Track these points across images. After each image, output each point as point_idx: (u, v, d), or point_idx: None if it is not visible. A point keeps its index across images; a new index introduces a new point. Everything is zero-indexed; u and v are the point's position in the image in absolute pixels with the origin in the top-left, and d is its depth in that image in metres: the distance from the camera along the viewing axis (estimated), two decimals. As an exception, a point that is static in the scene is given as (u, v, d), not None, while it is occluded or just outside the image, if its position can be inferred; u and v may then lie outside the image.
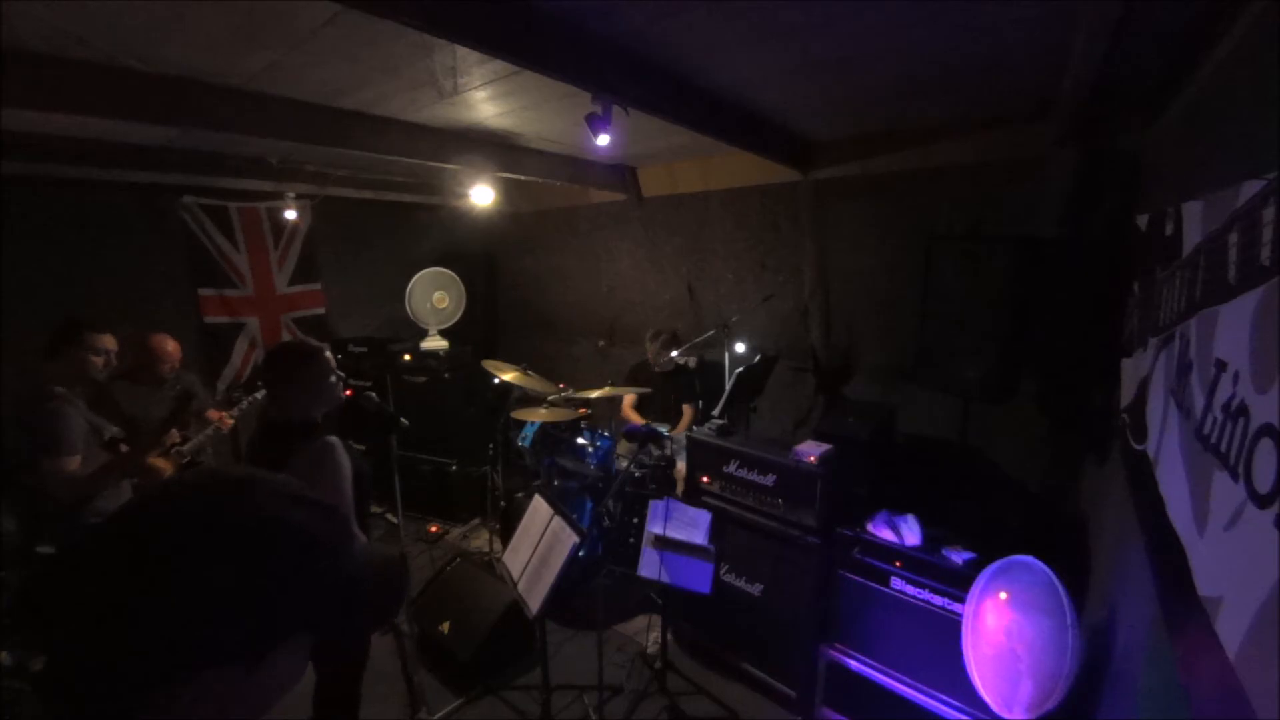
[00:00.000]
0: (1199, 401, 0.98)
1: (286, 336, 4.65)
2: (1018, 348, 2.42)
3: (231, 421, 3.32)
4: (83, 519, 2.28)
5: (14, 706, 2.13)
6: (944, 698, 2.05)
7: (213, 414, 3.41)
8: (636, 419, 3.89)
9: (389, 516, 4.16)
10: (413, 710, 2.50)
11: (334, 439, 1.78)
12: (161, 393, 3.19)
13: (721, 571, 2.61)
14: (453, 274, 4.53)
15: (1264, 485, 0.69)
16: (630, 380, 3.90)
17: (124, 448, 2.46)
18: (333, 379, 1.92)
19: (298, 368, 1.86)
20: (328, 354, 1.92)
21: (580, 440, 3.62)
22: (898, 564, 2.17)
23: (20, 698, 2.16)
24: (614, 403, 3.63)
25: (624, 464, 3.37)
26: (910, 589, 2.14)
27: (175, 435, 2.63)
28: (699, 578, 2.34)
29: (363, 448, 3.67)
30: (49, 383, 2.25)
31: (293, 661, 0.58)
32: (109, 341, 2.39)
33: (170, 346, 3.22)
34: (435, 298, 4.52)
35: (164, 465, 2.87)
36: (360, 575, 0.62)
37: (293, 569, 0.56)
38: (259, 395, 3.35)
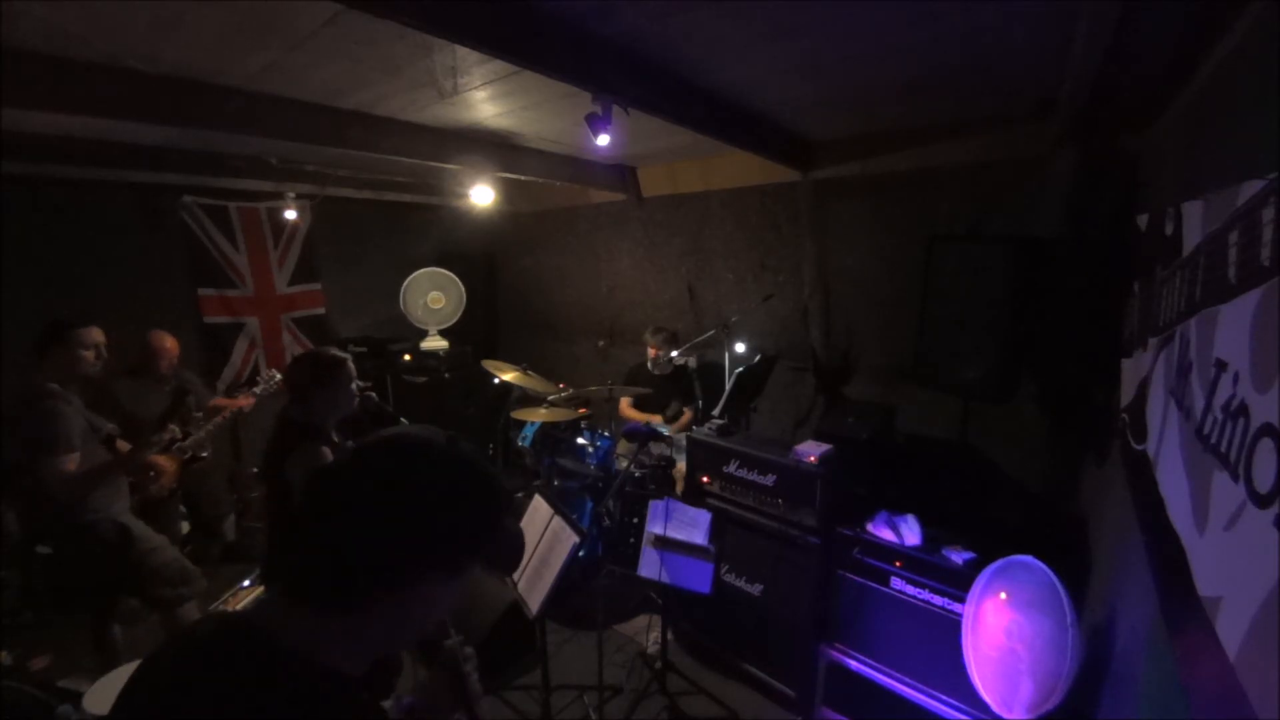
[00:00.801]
0: (1199, 401, 0.98)
1: (286, 336, 4.65)
2: (1018, 348, 2.41)
3: (251, 400, 3.33)
4: (81, 515, 2.28)
5: (14, 708, 2.14)
6: (944, 698, 2.05)
7: (221, 401, 3.42)
8: (635, 415, 3.89)
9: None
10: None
11: (325, 449, 1.90)
12: (159, 389, 3.20)
13: (721, 571, 2.61)
14: (450, 274, 4.53)
15: (1264, 485, 0.69)
16: (630, 381, 3.90)
17: (121, 445, 2.46)
18: (352, 388, 2.04)
19: (326, 375, 1.98)
20: (351, 364, 2.05)
21: (580, 440, 3.62)
22: (898, 564, 2.17)
23: (20, 698, 2.16)
24: (614, 403, 3.62)
25: (624, 464, 3.37)
26: (910, 589, 2.14)
27: (176, 431, 2.62)
28: (699, 578, 2.33)
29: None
30: (43, 381, 2.25)
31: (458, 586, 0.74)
32: (96, 335, 2.37)
33: (169, 343, 3.23)
34: (430, 298, 4.52)
35: (164, 462, 2.88)
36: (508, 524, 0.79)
37: (479, 498, 0.72)
38: (276, 379, 3.41)
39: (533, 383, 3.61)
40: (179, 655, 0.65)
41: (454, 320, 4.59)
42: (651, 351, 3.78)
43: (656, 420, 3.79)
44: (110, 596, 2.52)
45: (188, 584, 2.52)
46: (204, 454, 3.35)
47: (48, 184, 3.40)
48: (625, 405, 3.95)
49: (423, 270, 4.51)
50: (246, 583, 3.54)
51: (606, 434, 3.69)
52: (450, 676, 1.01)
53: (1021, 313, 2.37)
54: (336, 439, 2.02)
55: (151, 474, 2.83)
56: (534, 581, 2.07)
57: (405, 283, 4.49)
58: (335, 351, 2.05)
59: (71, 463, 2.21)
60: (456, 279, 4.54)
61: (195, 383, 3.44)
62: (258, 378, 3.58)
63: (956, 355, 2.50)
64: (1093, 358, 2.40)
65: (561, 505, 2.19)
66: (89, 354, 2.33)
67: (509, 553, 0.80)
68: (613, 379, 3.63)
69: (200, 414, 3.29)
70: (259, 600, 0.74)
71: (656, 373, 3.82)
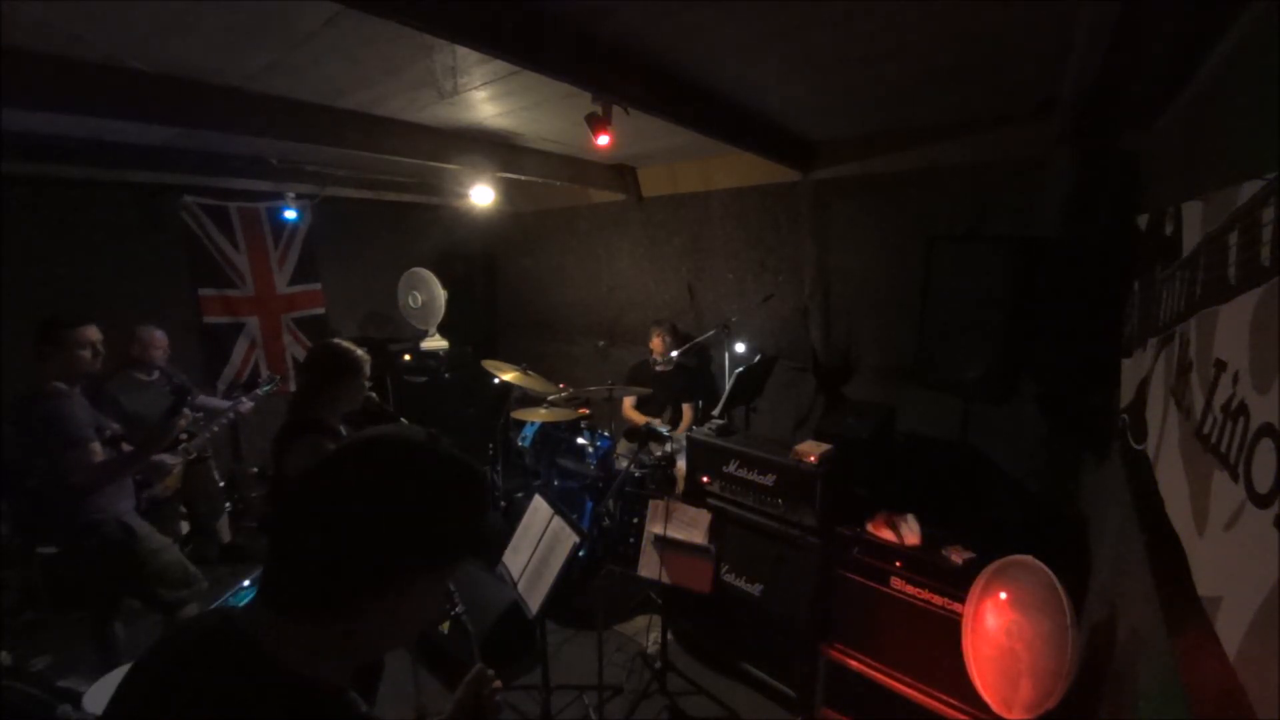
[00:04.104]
0: (1199, 401, 0.98)
1: (287, 336, 4.65)
2: (1018, 348, 2.41)
3: (252, 404, 3.35)
4: (87, 515, 2.28)
5: (14, 708, 2.14)
6: (944, 698, 2.04)
7: (221, 402, 3.45)
8: (638, 418, 3.89)
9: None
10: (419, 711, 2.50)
11: (328, 443, 1.88)
12: (158, 385, 3.22)
13: (721, 571, 2.61)
14: (427, 273, 4.52)
15: (1263, 485, 0.69)
16: (630, 380, 3.90)
17: (125, 446, 2.46)
18: (363, 386, 2.04)
19: (343, 373, 1.97)
20: (368, 368, 2.04)
21: (580, 440, 3.62)
22: (897, 564, 2.17)
23: (20, 698, 2.16)
24: (613, 403, 3.62)
25: (624, 464, 3.37)
26: (910, 589, 2.14)
27: (188, 414, 2.56)
28: (699, 578, 2.34)
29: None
30: (46, 380, 2.25)
31: (442, 590, 0.75)
32: (92, 333, 2.36)
33: (157, 334, 3.25)
34: (411, 296, 4.52)
35: (170, 461, 2.88)
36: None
37: (466, 496, 0.72)
38: (277, 381, 3.44)
39: (533, 383, 3.61)
40: (165, 663, 0.65)
41: (437, 319, 4.57)
42: (656, 345, 3.78)
43: (657, 423, 3.79)
44: (114, 596, 2.52)
45: (190, 585, 2.53)
46: (207, 454, 3.36)
47: (48, 184, 3.40)
48: (628, 406, 3.95)
49: (409, 270, 4.52)
50: (246, 583, 3.54)
51: (606, 434, 3.69)
52: (474, 703, 1.02)
53: (1021, 313, 2.36)
54: (345, 432, 2.01)
55: (158, 472, 2.83)
56: (534, 581, 2.07)
57: (399, 284, 4.51)
58: (358, 350, 2.04)
59: (95, 453, 2.23)
60: (431, 277, 4.51)
61: (177, 371, 3.46)
62: (258, 379, 3.60)
63: (956, 355, 2.50)
64: (1093, 358, 2.39)
65: (561, 505, 2.19)
66: (85, 353, 2.33)
67: (489, 545, 0.81)
68: (613, 379, 3.63)
69: (200, 414, 3.30)
70: (250, 604, 0.70)
71: (659, 369, 3.82)
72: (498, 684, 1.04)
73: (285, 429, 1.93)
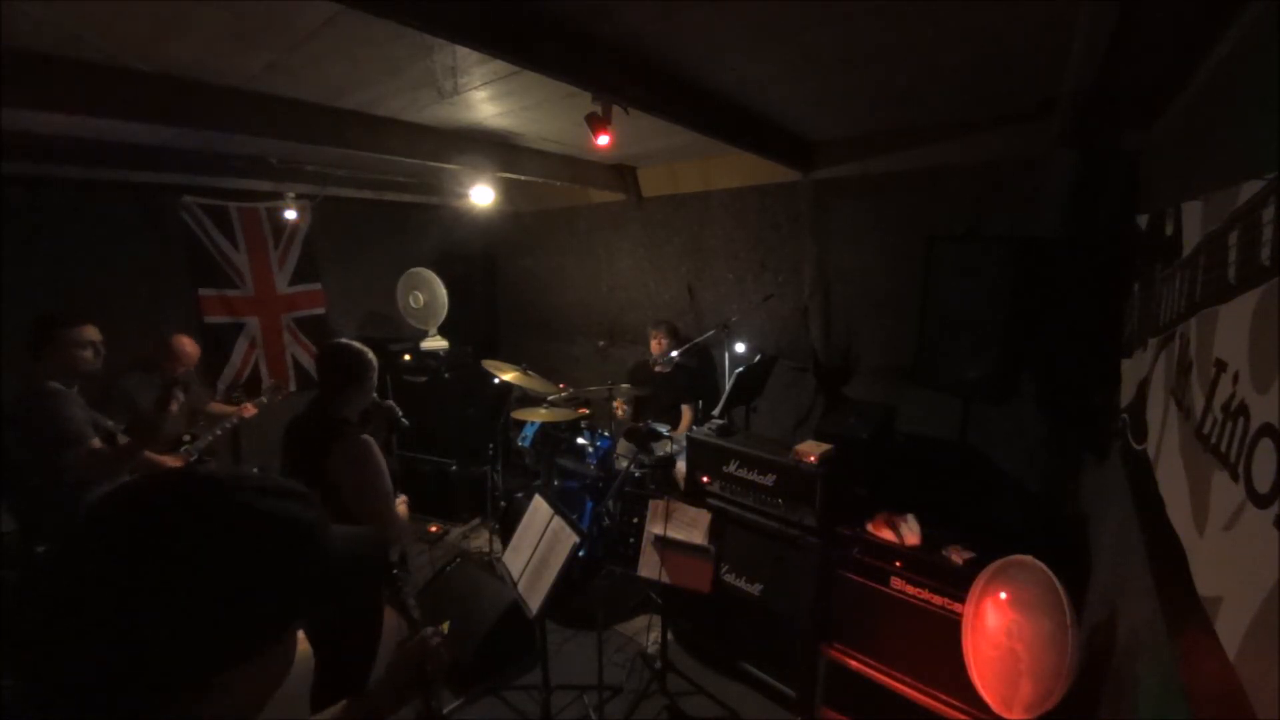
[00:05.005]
0: (1199, 401, 0.98)
1: (287, 336, 4.65)
2: (1018, 348, 2.41)
3: (255, 410, 3.35)
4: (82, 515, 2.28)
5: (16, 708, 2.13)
6: (944, 698, 2.04)
7: (218, 407, 3.43)
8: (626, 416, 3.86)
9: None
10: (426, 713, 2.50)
11: (368, 437, 1.89)
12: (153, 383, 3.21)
13: (721, 571, 2.61)
14: (429, 273, 4.51)
15: (1263, 485, 0.69)
16: (631, 380, 3.90)
17: (123, 440, 2.45)
18: (374, 385, 2.07)
19: (363, 370, 1.99)
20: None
21: (580, 440, 3.62)
22: (897, 564, 2.17)
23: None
24: (612, 402, 3.62)
25: (624, 464, 3.37)
26: (910, 589, 2.14)
27: (180, 395, 2.50)
28: (699, 578, 2.33)
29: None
30: (43, 380, 2.25)
31: (287, 647, 0.59)
32: (90, 333, 2.34)
33: (189, 348, 3.23)
34: (412, 297, 4.51)
35: (174, 463, 2.88)
36: (344, 554, 0.63)
37: (282, 557, 0.56)
38: (283, 388, 3.43)
39: (533, 383, 3.61)
40: None
41: (439, 319, 4.57)
42: (655, 345, 3.78)
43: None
44: None
45: None
46: (209, 459, 3.36)
47: (48, 184, 3.40)
48: (619, 407, 3.91)
49: (408, 270, 4.52)
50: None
51: (606, 434, 3.69)
52: (416, 659, 0.96)
53: (1021, 313, 2.37)
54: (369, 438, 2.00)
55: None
56: (534, 581, 2.07)
57: (399, 284, 4.51)
58: (366, 349, 2.06)
59: (95, 442, 2.24)
60: (434, 277, 4.51)
61: (194, 381, 3.45)
62: (263, 386, 3.58)
63: (956, 355, 2.50)
64: (1093, 358, 2.39)
65: (561, 505, 2.19)
66: (86, 352, 2.32)
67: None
68: (612, 379, 3.63)
69: (199, 415, 3.30)
70: None
71: (658, 369, 3.82)
72: (443, 628, 1.02)
73: (322, 429, 1.90)
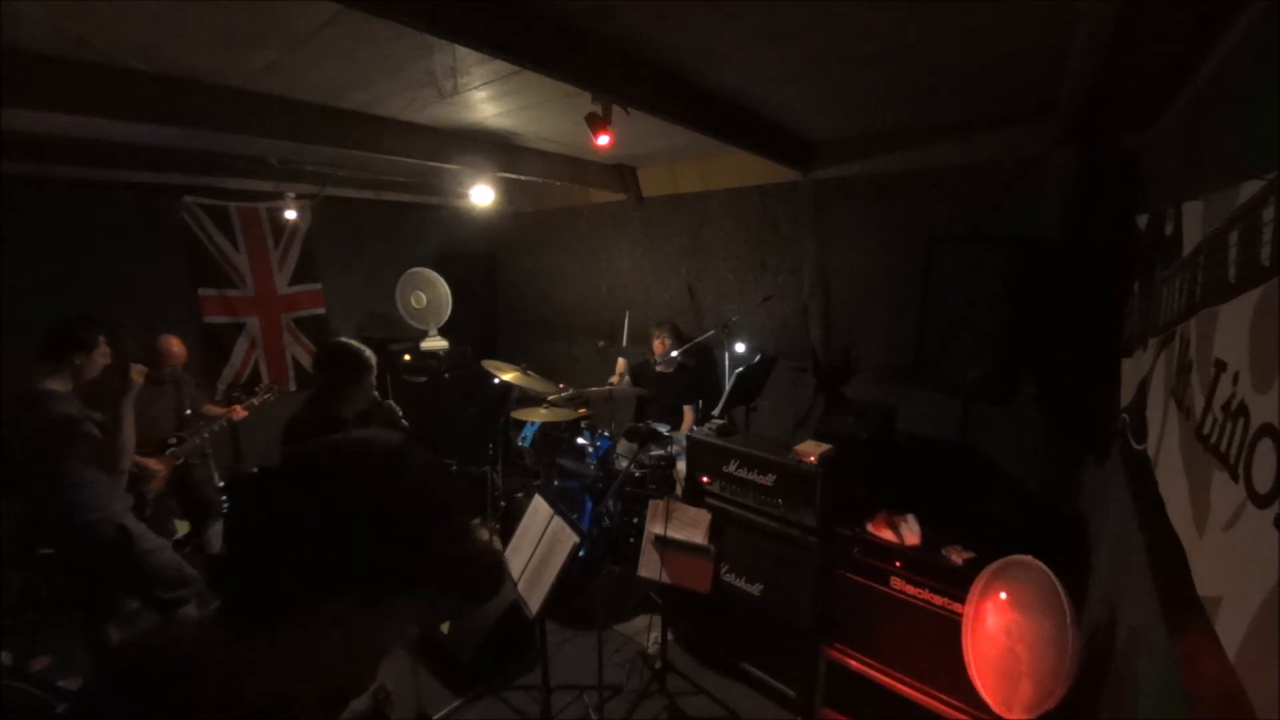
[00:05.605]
0: (1199, 401, 0.98)
1: (287, 336, 4.65)
2: (1018, 348, 2.41)
3: (245, 413, 3.35)
4: (82, 515, 2.29)
5: (14, 708, 2.14)
6: (944, 698, 2.04)
7: (211, 408, 3.43)
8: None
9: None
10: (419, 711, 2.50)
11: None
12: (158, 390, 3.21)
13: (721, 571, 2.61)
14: (432, 273, 4.51)
15: (1263, 485, 0.69)
16: (631, 381, 3.90)
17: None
18: (373, 384, 2.10)
19: (362, 370, 2.01)
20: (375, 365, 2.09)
21: (580, 440, 3.62)
22: (897, 564, 2.17)
23: (20, 698, 2.16)
24: (613, 403, 3.62)
25: (624, 464, 3.37)
26: (910, 589, 2.14)
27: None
28: (699, 578, 2.34)
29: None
30: (40, 383, 2.25)
31: (401, 616, 0.67)
32: (105, 344, 2.42)
33: (175, 347, 3.24)
34: (414, 297, 4.51)
35: (157, 465, 2.89)
36: (472, 554, 0.70)
37: (427, 529, 0.65)
38: (275, 391, 3.43)
39: (533, 383, 3.61)
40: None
41: (442, 319, 4.57)
42: (658, 345, 3.78)
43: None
44: (110, 597, 2.52)
45: (186, 585, 2.53)
46: (195, 462, 3.35)
47: (48, 184, 3.40)
48: (619, 374, 3.91)
49: (409, 271, 4.52)
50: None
51: (606, 434, 3.69)
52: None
53: (1022, 313, 2.37)
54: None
55: (148, 477, 2.83)
56: (534, 581, 2.07)
57: (399, 284, 4.51)
58: (368, 350, 2.07)
59: (95, 430, 2.28)
60: (437, 278, 4.51)
61: (189, 383, 3.44)
62: (256, 388, 3.58)
63: (956, 355, 2.50)
64: (1093, 358, 2.39)
65: (561, 505, 2.19)
66: (103, 361, 2.39)
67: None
68: (612, 379, 3.63)
69: (190, 413, 3.29)
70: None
71: (660, 369, 3.82)
72: (443, 629, 1.02)
73: (317, 430, 1.92)
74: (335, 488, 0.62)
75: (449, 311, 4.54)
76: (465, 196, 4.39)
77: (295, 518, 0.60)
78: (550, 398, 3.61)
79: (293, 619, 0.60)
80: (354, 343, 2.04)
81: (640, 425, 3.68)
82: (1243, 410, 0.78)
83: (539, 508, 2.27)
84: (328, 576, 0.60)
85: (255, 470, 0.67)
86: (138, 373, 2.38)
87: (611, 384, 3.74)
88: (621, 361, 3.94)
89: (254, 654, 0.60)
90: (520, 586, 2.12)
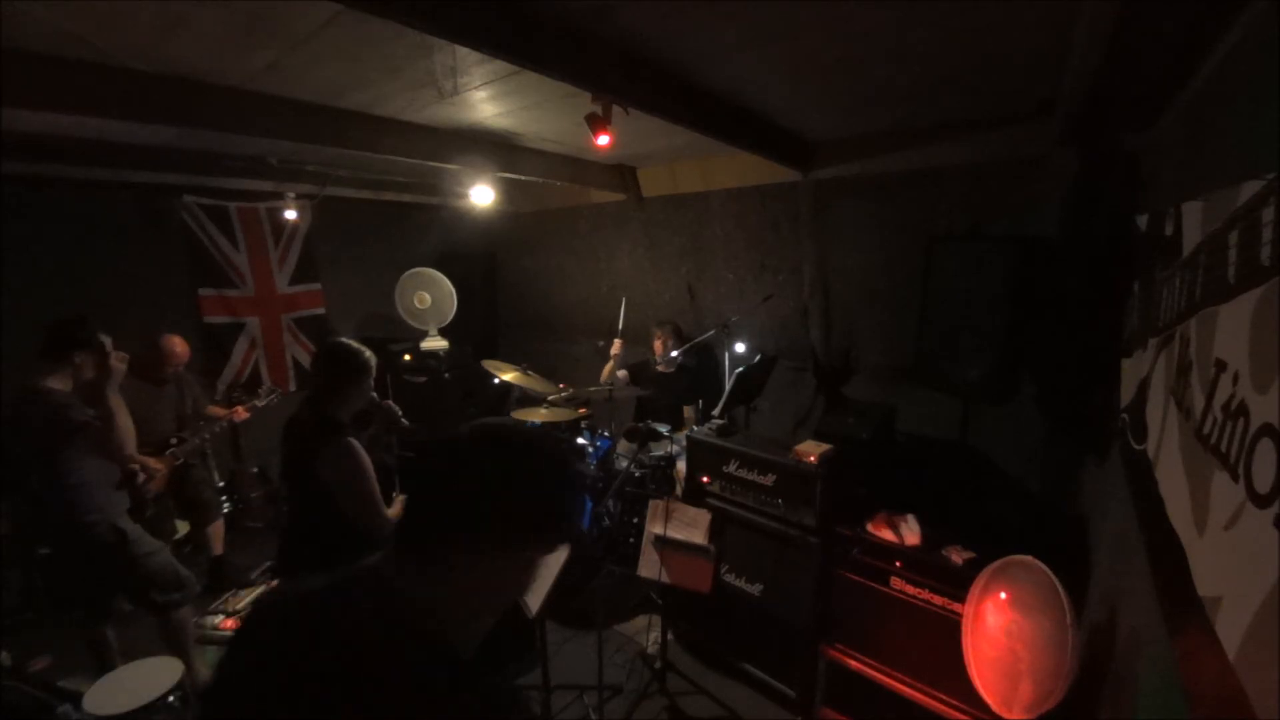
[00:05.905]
0: (1199, 401, 0.98)
1: (287, 336, 4.66)
2: (1018, 348, 2.41)
3: (247, 415, 3.35)
4: (80, 516, 2.28)
5: (14, 708, 2.14)
6: (944, 698, 2.05)
7: (217, 410, 3.43)
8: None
9: (389, 516, 4.15)
10: None
11: (352, 440, 1.91)
12: (160, 390, 3.21)
13: (721, 571, 2.61)
14: (436, 273, 4.51)
15: (1263, 485, 0.69)
16: (632, 380, 3.90)
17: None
18: (372, 385, 2.08)
19: (361, 370, 2.00)
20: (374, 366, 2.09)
21: (580, 440, 3.62)
22: (897, 564, 2.17)
23: (20, 698, 2.16)
24: (614, 403, 3.62)
25: (624, 464, 3.37)
26: (910, 589, 2.14)
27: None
28: (699, 578, 2.34)
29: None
30: (39, 382, 2.24)
31: (524, 569, 0.91)
32: (108, 345, 2.37)
33: (179, 347, 3.24)
34: (417, 297, 4.51)
35: (157, 465, 2.89)
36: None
37: (571, 493, 0.89)
38: (278, 393, 3.44)
39: (533, 383, 3.61)
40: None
41: (446, 319, 4.57)
42: (659, 345, 3.78)
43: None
44: (106, 598, 2.52)
45: (182, 589, 2.53)
46: (195, 462, 3.35)
47: (48, 184, 3.40)
48: (609, 371, 3.89)
49: (410, 271, 4.51)
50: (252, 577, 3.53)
51: (606, 434, 3.68)
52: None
53: (1022, 313, 2.37)
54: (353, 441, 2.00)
55: (148, 476, 2.83)
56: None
57: (398, 283, 4.51)
58: (368, 350, 2.06)
59: (98, 428, 2.26)
60: (442, 278, 4.51)
61: (192, 384, 3.45)
62: (259, 389, 3.59)
63: (956, 355, 2.50)
64: (1093, 358, 2.39)
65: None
66: (110, 360, 2.36)
67: None
68: (613, 379, 3.62)
69: (192, 413, 3.29)
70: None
71: (660, 368, 3.82)
72: None
73: (312, 431, 1.92)
74: (504, 459, 0.82)
75: (454, 312, 4.54)
76: (465, 196, 4.38)
77: (472, 480, 0.79)
78: (550, 398, 3.61)
79: (454, 562, 0.79)
80: (353, 343, 2.04)
81: (640, 425, 3.68)
82: (1243, 410, 0.78)
83: (539, 508, 2.26)
84: (488, 528, 0.78)
85: (438, 440, 0.84)
86: (118, 359, 2.34)
87: (611, 360, 3.72)
88: (618, 342, 3.92)
89: (425, 584, 0.79)
90: (520, 586, 2.11)
